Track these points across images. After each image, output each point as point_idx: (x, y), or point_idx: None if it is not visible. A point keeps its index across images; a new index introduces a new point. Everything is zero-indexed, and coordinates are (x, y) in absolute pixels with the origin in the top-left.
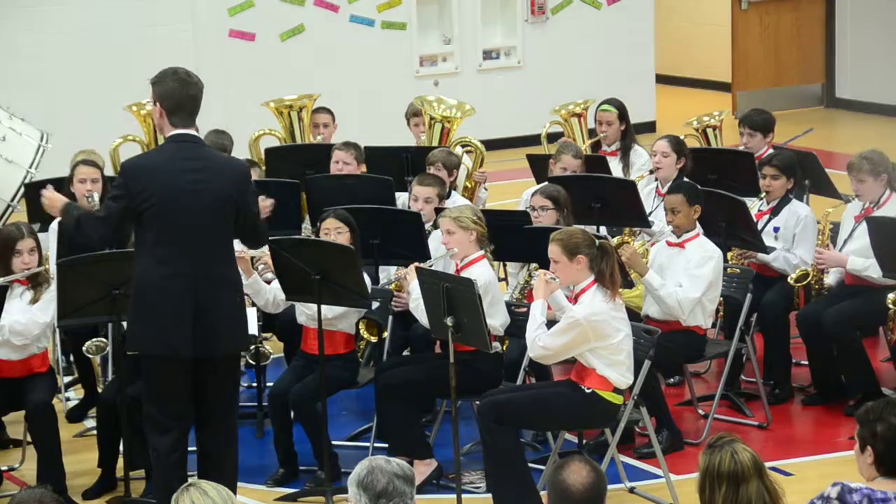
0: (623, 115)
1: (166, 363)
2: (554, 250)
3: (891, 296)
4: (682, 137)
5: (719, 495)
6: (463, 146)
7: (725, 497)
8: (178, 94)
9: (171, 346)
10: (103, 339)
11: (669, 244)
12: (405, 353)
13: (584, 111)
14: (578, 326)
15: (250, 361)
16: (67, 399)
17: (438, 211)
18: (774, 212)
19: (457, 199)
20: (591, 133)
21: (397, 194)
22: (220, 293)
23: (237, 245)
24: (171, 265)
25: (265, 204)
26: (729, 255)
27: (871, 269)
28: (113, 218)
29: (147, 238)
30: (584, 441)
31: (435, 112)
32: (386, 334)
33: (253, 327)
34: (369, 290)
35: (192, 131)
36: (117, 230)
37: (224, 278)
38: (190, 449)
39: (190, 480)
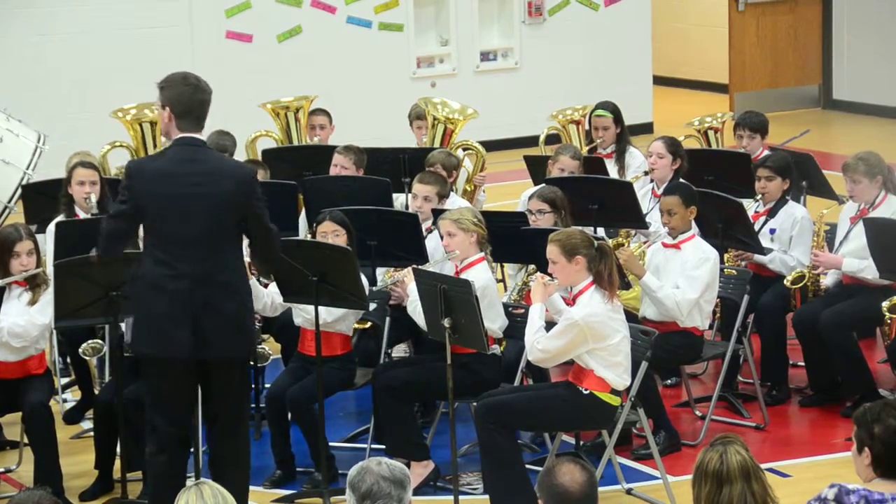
0: (618, 118)
1: (166, 364)
2: (552, 251)
3: (885, 304)
4: (680, 139)
5: (703, 492)
6: (464, 149)
7: (708, 495)
8: (188, 98)
9: (170, 346)
10: (100, 341)
11: (665, 245)
12: (404, 353)
13: (583, 118)
14: (576, 327)
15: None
16: (64, 401)
17: (436, 212)
18: (771, 213)
19: (456, 201)
20: (588, 139)
21: (394, 195)
22: (220, 298)
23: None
24: (170, 266)
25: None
26: (726, 256)
27: (866, 270)
28: (123, 215)
29: (149, 239)
30: (582, 442)
31: (438, 113)
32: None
33: None
34: (367, 292)
35: (198, 135)
36: (128, 231)
37: (224, 284)
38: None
39: (198, 480)
